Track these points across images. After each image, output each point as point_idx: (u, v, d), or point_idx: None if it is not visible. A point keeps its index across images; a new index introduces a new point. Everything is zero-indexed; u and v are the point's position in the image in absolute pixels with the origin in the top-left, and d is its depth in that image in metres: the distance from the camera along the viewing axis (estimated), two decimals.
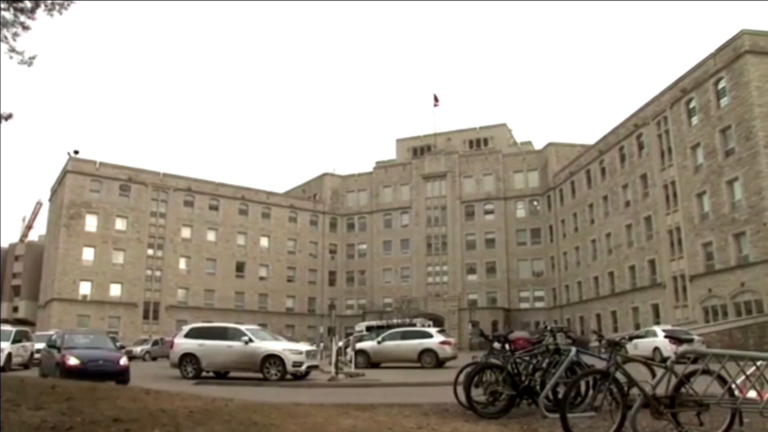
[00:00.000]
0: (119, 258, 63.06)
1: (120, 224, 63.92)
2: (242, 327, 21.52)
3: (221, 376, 21.26)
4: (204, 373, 20.59)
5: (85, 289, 60.48)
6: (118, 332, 56.50)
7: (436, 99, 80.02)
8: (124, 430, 6.01)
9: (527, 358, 10.41)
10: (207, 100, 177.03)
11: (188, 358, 20.61)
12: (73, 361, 16.22)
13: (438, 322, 57.23)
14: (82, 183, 62.33)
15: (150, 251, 65.24)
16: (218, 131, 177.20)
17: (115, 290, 62.34)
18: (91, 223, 62.09)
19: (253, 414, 7.60)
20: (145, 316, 63.25)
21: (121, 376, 16.58)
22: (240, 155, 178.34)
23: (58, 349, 17.26)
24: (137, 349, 43.97)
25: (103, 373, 16.22)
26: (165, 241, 66.41)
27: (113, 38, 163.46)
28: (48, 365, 17.77)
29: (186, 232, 68.26)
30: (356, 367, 23.41)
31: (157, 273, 65.30)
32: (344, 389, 17.79)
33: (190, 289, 67.17)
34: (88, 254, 61.12)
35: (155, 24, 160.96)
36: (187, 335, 21.36)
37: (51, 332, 29.00)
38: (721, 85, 41.73)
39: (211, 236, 69.95)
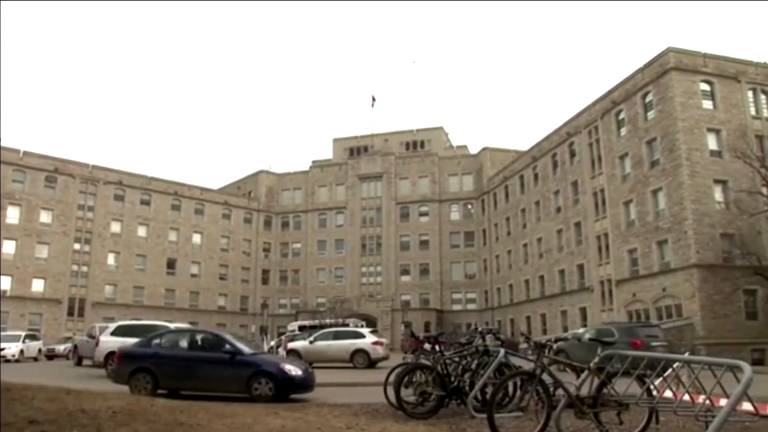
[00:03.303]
0: (43, 252, 60.55)
1: (45, 217, 61.31)
2: (172, 325, 21.10)
3: None
4: None
5: (4, 284, 57.60)
6: (40, 329, 54.34)
7: (373, 100, 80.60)
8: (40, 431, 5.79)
9: (457, 359, 10.56)
10: (142, 92, 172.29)
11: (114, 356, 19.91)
12: (295, 371, 13.39)
13: (371, 322, 57.50)
14: (4, 173, 59.41)
15: (77, 246, 62.90)
16: (152, 125, 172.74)
17: (37, 285, 59.74)
18: (12, 215, 59.32)
19: (179, 414, 7.45)
20: (70, 313, 60.88)
21: None
22: (174, 150, 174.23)
23: (232, 355, 13.45)
24: (61, 348, 42.39)
25: (309, 384, 13.88)
26: (93, 236, 64.16)
27: (37, 21, 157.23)
28: (215, 375, 13.47)
29: (116, 227, 66.14)
30: None
31: (84, 268, 62.99)
32: None
33: (118, 286, 65.17)
34: (8, 247, 58.25)
35: (84, 12, 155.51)
36: (114, 333, 20.81)
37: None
38: (648, 99, 43.36)
39: (141, 231, 68.06)
